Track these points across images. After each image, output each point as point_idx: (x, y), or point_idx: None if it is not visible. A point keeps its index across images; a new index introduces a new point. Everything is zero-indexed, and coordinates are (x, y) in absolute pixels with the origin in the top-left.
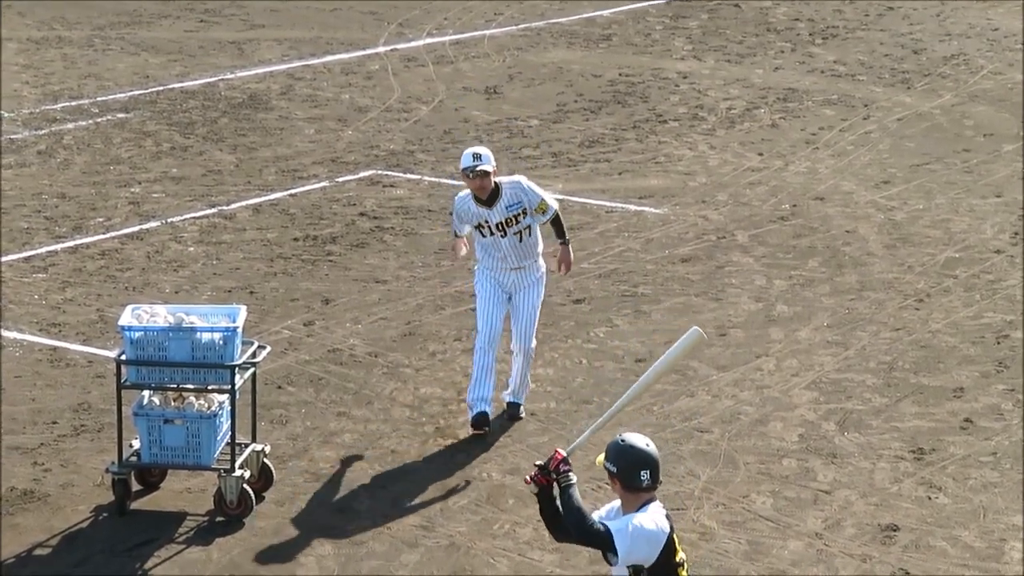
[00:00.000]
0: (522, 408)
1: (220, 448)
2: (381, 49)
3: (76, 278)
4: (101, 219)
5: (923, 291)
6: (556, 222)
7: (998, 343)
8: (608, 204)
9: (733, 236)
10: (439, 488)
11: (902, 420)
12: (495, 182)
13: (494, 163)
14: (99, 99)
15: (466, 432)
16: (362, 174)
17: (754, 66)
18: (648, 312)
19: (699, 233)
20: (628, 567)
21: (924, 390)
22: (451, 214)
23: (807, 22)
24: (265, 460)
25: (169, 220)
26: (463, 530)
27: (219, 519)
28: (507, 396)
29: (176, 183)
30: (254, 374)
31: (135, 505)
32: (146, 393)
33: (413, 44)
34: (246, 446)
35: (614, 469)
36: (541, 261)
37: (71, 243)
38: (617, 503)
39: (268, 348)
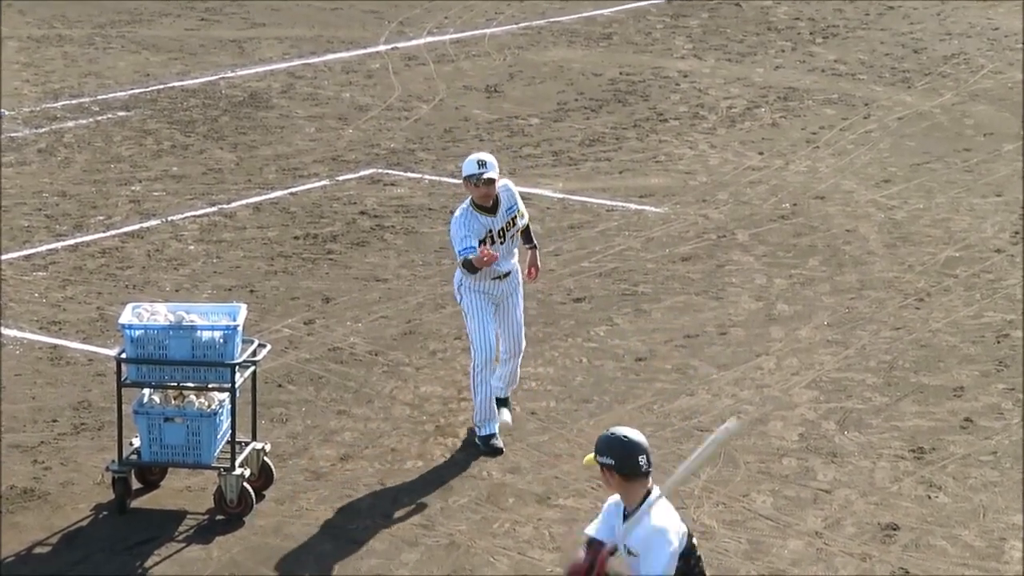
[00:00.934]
0: (508, 402)
1: (220, 446)
2: (382, 48)
3: (76, 276)
4: (102, 217)
5: (923, 290)
6: (527, 228)
7: (998, 342)
8: (609, 203)
9: (733, 235)
10: (439, 487)
11: (902, 419)
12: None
13: (498, 168)
14: (100, 97)
15: (466, 431)
16: (363, 173)
17: (755, 65)
18: (648, 311)
19: (699, 232)
20: None
21: (924, 389)
22: (460, 238)
23: (808, 21)
24: (265, 458)
25: (170, 218)
26: (463, 529)
27: (219, 517)
28: (497, 390)
29: (177, 181)
30: (254, 372)
31: (135, 503)
32: (146, 391)
33: (414, 43)
34: (246, 444)
35: (612, 461)
36: (517, 266)
37: (72, 241)
38: (615, 498)
39: (268, 346)
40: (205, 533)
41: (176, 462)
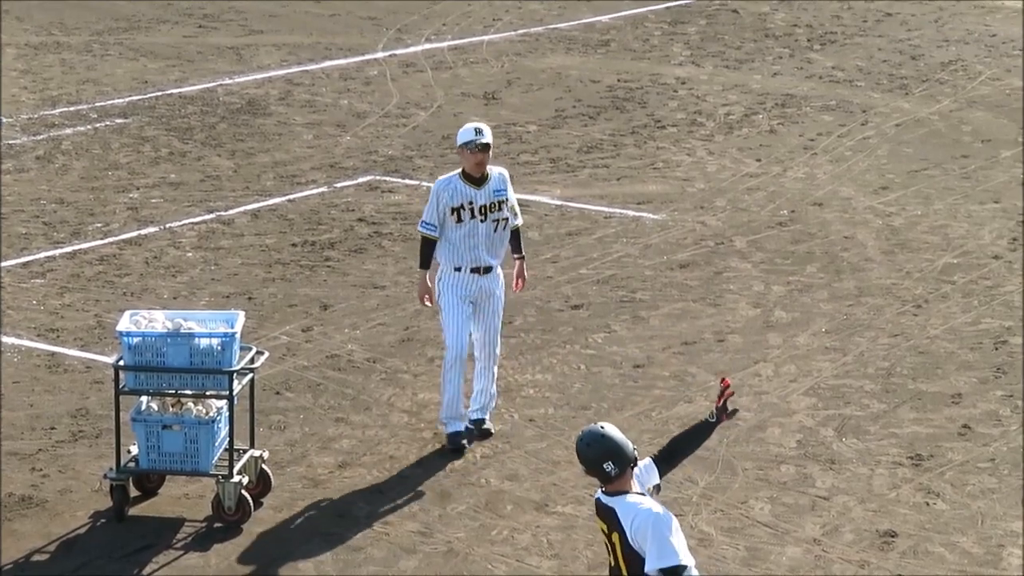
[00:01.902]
0: (488, 421)
1: (218, 454)
2: (380, 55)
3: (74, 283)
4: (99, 224)
5: (921, 297)
6: (517, 235)
7: (996, 349)
8: (606, 210)
9: (731, 242)
10: (437, 494)
11: (900, 426)
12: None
13: (491, 140)
14: (98, 104)
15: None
16: (360, 179)
17: (752, 72)
18: (646, 318)
19: (697, 239)
20: None
21: (922, 396)
22: (428, 210)
23: (805, 28)
24: (263, 466)
25: (167, 226)
26: (461, 536)
27: (217, 525)
28: (473, 413)
29: (174, 188)
30: (252, 380)
31: (133, 511)
32: (144, 399)
33: (412, 49)
34: (244, 452)
35: (616, 468)
36: (500, 270)
37: (69, 248)
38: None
39: (266, 354)
40: (203, 540)
41: (174, 469)
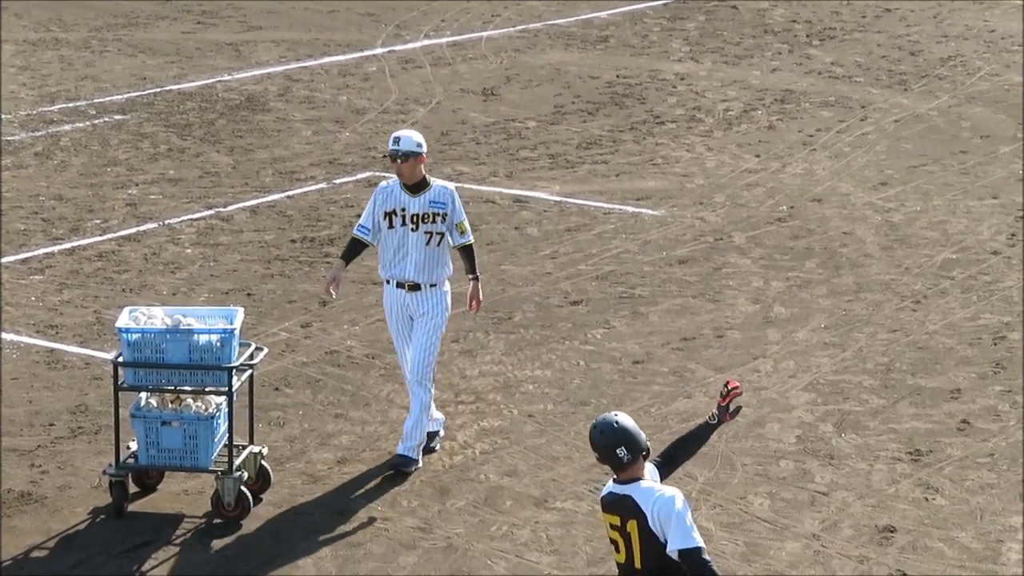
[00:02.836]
0: (414, 461)
1: (217, 450)
2: (378, 51)
3: (73, 280)
4: (98, 221)
5: (920, 292)
6: (469, 254)
7: (995, 344)
8: (605, 206)
9: (730, 238)
10: (436, 490)
11: (899, 421)
12: (427, 178)
13: (423, 147)
14: (96, 101)
15: (464, 434)
16: (359, 176)
17: (751, 68)
18: (645, 314)
19: (696, 235)
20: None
21: (921, 391)
22: (364, 213)
23: (804, 24)
24: (263, 462)
25: (166, 222)
26: (461, 532)
27: (216, 521)
28: (399, 445)
29: (173, 185)
30: (251, 376)
31: (132, 507)
32: (143, 395)
33: (410, 46)
34: (244, 448)
35: (628, 454)
36: (444, 291)
37: (68, 245)
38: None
39: (265, 350)
40: (202, 536)
41: (173, 466)
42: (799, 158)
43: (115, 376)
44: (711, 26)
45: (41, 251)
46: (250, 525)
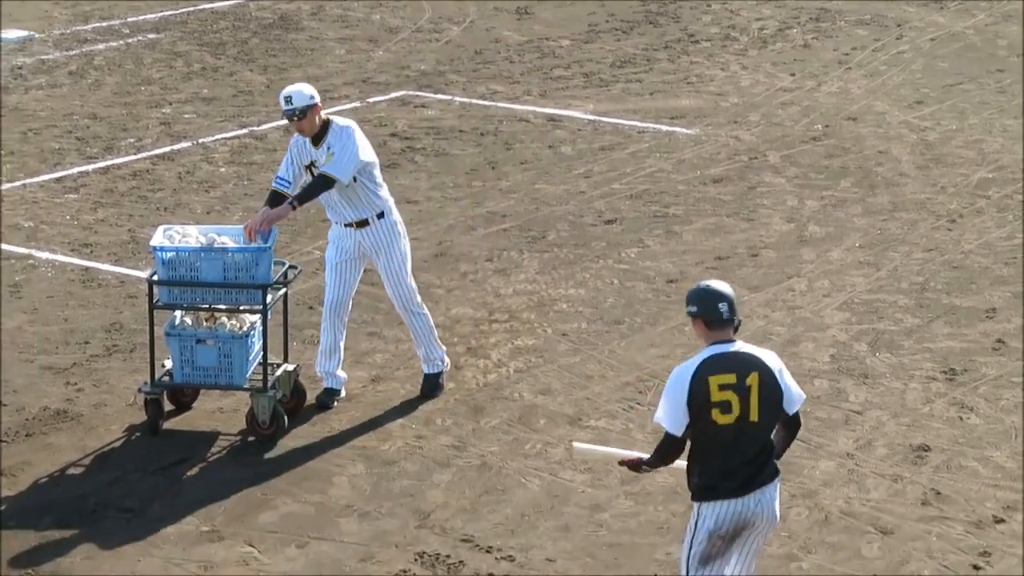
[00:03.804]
0: (443, 378)
1: (252, 368)
2: None
3: (107, 199)
4: (132, 140)
5: (956, 211)
6: (316, 181)
7: None
8: (640, 124)
9: (765, 157)
10: (470, 408)
11: (934, 341)
12: (328, 123)
13: (316, 98)
14: (130, 20)
15: (498, 353)
16: (393, 95)
17: None
18: (679, 233)
19: (731, 154)
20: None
21: (956, 311)
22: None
23: None
24: (297, 380)
25: (200, 141)
26: (495, 450)
27: (251, 439)
28: (423, 367)
29: (207, 104)
30: (286, 294)
31: (167, 425)
32: (178, 313)
33: None
34: (278, 366)
35: (695, 309)
36: (393, 219)
37: (102, 164)
38: None
39: (300, 268)
40: (237, 454)
41: (208, 384)
42: (834, 77)
43: (150, 294)
44: None
45: (75, 170)
46: (285, 443)
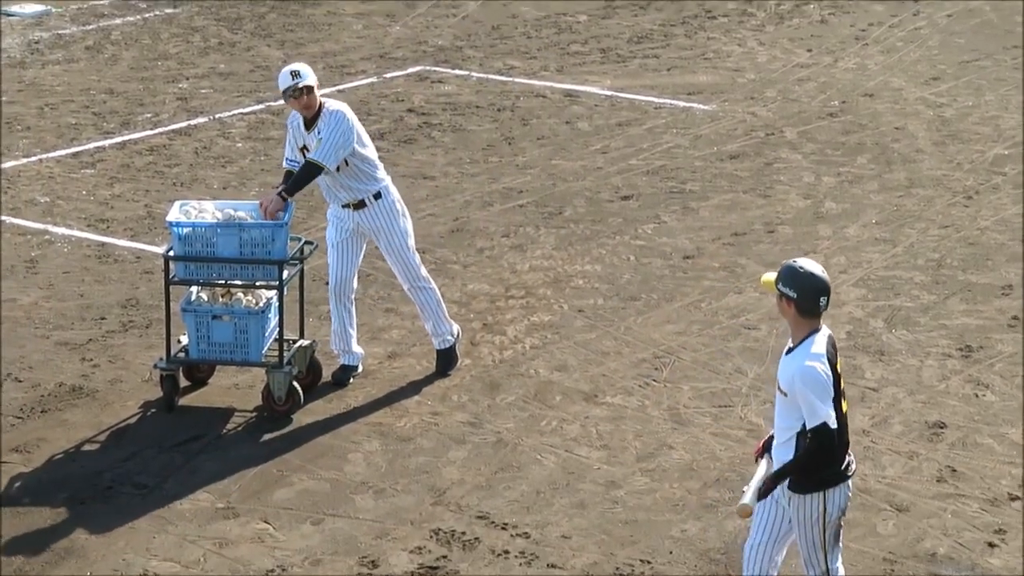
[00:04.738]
0: (457, 350)
1: (268, 344)
2: None
3: (124, 174)
4: (149, 115)
5: (972, 188)
6: (303, 170)
7: None
8: (656, 100)
9: (782, 133)
10: (486, 384)
11: (950, 317)
12: (321, 102)
13: (314, 79)
14: None
15: (514, 329)
16: (410, 70)
17: None
18: (696, 209)
19: (748, 130)
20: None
21: (972, 287)
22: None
23: None
24: (314, 356)
25: (217, 116)
26: (510, 426)
27: (267, 415)
28: (433, 342)
29: (224, 79)
30: (302, 270)
31: (183, 401)
32: (194, 289)
33: None
34: (294, 342)
35: (794, 295)
36: (392, 200)
37: (119, 139)
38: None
39: (316, 244)
40: (253, 431)
41: (224, 360)
42: (851, 53)
43: (166, 270)
44: None
45: (92, 145)
46: (300, 419)
